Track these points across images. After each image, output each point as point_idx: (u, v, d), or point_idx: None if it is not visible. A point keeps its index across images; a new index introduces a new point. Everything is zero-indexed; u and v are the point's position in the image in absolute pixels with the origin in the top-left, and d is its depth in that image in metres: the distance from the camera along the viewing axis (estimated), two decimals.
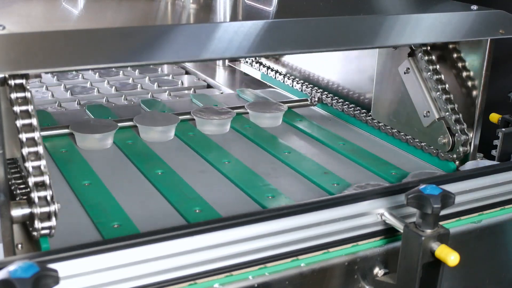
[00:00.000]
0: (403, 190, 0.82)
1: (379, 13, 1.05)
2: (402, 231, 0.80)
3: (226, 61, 1.96)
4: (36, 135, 0.80)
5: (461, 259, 0.75)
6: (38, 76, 1.79)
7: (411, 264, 0.78)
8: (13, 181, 0.89)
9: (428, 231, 0.77)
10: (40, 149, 0.79)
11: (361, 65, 1.36)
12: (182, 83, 1.82)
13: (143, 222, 0.90)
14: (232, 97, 1.58)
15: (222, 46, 0.85)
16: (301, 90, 1.53)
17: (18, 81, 0.81)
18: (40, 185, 0.78)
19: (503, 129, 1.14)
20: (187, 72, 1.96)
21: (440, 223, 0.79)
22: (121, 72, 1.89)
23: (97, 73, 1.85)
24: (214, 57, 0.86)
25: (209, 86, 1.84)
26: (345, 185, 1.05)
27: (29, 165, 0.78)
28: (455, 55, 1.15)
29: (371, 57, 1.29)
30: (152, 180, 1.04)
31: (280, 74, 1.62)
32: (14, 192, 0.87)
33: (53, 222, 0.78)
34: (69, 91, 1.67)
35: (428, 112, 1.16)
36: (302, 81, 1.55)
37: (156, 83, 1.78)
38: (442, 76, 1.16)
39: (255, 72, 1.75)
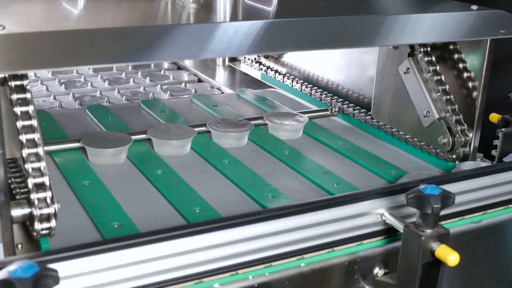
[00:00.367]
0: (403, 190, 0.82)
1: (379, 13, 1.05)
2: (402, 231, 0.80)
3: (226, 61, 1.96)
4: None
5: (461, 259, 0.75)
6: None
7: (411, 264, 0.78)
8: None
9: (428, 231, 0.77)
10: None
11: (361, 64, 1.37)
12: (174, 77, 1.83)
13: (143, 222, 0.90)
14: (232, 97, 1.58)
15: (222, 46, 0.85)
16: (301, 90, 1.53)
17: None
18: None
19: (503, 129, 1.14)
20: (179, 68, 1.98)
21: (440, 223, 0.79)
22: (114, 67, 1.92)
23: (91, 68, 1.88)
24: (214, 56, 0.86)
25: (200, 80, 1.86)
26: (346, 185, 1.05)
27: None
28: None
29: (373, 53, 1.29)
30: (152, 180, 1.04)
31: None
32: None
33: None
34: (63, 85, 1.70)
35: (428, 112, 1.16)
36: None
37: (148, 78, 1.80)
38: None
39: (255, 72, 1.75)
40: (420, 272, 0.78)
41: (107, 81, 1.75)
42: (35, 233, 0.77)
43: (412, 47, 1.19)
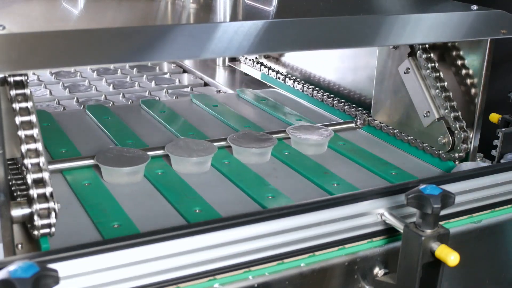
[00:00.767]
0: (403, 190, 0.82)
1: (379, 13, 1.05)
2: (402, 231, 0.80)
3: (226, 61, 1.96)
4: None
5: (461, 259, 0.75)
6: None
7: (411, 264, 0.78)
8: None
9: (428, 231, 0.77)
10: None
11: (362, 64, 1.37)
12: (179, 81, 1.82)
13: (143, 222, 0.90)
14: (232, 97, 1.58)
15: (222, 46, 0.85)
16: (302, 91, 1.53)
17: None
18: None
19: (503, 129, 1.14)
20: (184, 71, 1.97)
21: (440, 223, 0.79)
22: (119, 71, 1.90)
23: (95, 72, 1.86)
24: (214, 56, 0.86)
25: (206, 84, 1.85)
26: (346, 185, 1.05)
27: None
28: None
29: (371, 54, 1.29)
30: (152, 180, 1.04)
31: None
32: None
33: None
34: (67, 89, 1.68)
35: (428, 112, 1.16)
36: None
37: (153, 81, 1.78)
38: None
39: (255, 72, 1.75)
40: (420, 272, 0.78)
41: (111, 85, 1.73)
42: (35, 231, 0.77)
43: (412, 47, 1.19)
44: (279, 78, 1.62)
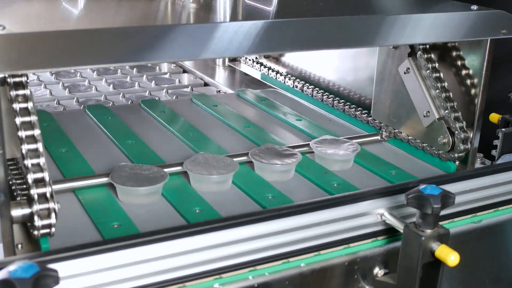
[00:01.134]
0: (403, 190, 0.82)
1: (379, 13, 1.05)
2: (402, 231, 0.80)
3: (226, 61, 1.96)
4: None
5: (461, 259, 0.76)
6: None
7: (411, 264, 0.78)
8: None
9: (428, 231, 0.77)
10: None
11: (362, 64, 1.37)
12: (179, 81, 1.83)
13: (143, 222, 0.90)
14: (232, 97, 1.58)
15: (222, 46, 0.85)
16: (302, 91, 1.53)
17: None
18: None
19: (503, 129, 1.14)
20: (184, 71, 1.97)
21: (440, 223, 0.79)
22: (119, 71, 1.90)
23: (95, 72, 1.86)
24: (214, 56, 0.86)
25: (206, 84, 1.85)
26: (346, 185, 1.05)
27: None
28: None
29: (372, 55, 1.29)
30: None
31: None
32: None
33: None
34: (67, 89, 1.68)
35: (428, 112, 1.16)
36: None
37: (153, 81, 1.78)
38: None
39: (255, 72, 1.75)
40: (420, 272, 0.78)
41: (111, 85, 1.73)
42: (35, 231, 0.77)
43: (412, 47, 1.19)
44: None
